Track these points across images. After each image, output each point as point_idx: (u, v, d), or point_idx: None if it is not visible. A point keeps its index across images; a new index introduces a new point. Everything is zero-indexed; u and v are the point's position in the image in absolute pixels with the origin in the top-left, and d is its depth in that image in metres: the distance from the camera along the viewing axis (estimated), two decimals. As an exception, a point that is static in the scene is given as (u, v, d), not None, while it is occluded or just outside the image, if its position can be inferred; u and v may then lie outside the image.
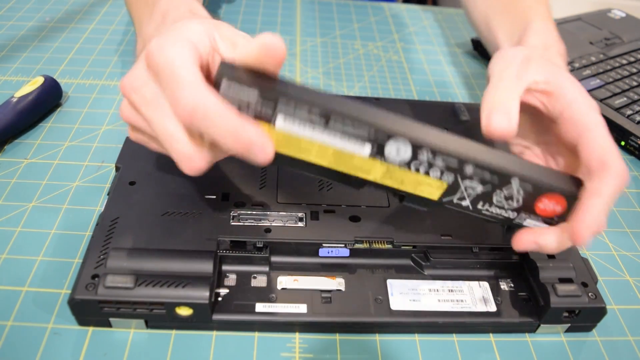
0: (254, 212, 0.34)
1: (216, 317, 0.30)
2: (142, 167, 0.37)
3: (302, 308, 0.31)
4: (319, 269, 0.33)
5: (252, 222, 0.34)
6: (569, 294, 0.31)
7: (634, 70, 0.58)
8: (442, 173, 0.27)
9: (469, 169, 0.27)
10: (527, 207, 0.28)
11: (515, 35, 0.42)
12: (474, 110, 0.48)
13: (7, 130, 0.42)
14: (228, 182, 0.36)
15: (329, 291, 0.32)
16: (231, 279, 0.32)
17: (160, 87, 0.26)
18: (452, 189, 0.27)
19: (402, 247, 0.34)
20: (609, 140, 0.28)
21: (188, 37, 0.26)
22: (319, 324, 0.31)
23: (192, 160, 0.26)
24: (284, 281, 0.32)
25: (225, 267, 0.32)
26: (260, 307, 0.31)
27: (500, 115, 0.29)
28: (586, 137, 0.29)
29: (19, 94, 0.44)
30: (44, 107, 0.46)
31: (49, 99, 0.46)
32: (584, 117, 0.29)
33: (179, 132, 0.26)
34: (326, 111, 0.25)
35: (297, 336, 0.32)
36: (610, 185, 0.27)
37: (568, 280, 0.32)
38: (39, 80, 0.45)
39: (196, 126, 0.24)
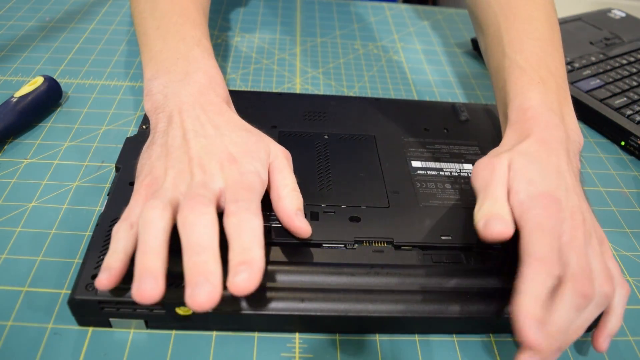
0: (254, 212, 0.34)
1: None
2: (142, 167, 0.37)
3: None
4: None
5: (252, 222, 0.34)
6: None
7: (634, 70, 0.58)
8: None
9: None
10: None
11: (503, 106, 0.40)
12: (474, 110, 0.48)
13: (7, 130, 0.42)
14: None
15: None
16: None
17: None
18: None
19: (402, 248, 0.34)
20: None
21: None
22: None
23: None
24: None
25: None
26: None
27: (498, 220, 0.30)
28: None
29: (19, 94, 0.44)
30: (44, 107, 0.46)
31: (49, 99, 0.46)
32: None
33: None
34: None
35: (297, 336, 0.32)
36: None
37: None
38: (39, 80, 0.45)
39: None
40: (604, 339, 0.30)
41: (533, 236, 0.29)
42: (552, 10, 0.44)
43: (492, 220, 0.30)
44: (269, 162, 0.33)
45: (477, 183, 0.33)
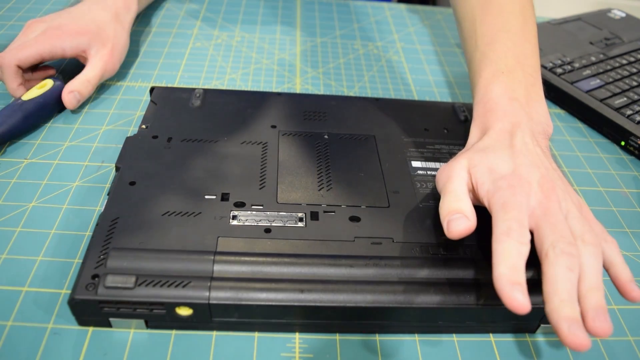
0: (254, 212, 0.34)
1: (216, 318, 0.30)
2: (142, 167, 0.37)
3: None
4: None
5: (252, 222, 0.34)
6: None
7: (634, 70, 0.58)
8: None
9: None
10: None
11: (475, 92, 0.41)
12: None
13: (12, 132, 0.42)
14: (228, 182, 0.36)
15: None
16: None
17: None
18: None
19: (402, 247, 0.34)
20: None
21: None
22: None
23: None
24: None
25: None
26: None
27: (459, 218, 0.31)
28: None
29: (27, 97, 0.43)
30: (50, 111, 0.45)
31: (56, 103, 0.46)
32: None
33: None
34: None
35: (297, 336, 0.32)
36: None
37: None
38: (48, 84, 0.45)
39: None
40: (630, 288, 0.29)
41: (498, 216, 0.30)
42: (528, 4, 0.45)
43: (453, 219, 0.31)
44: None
45: (439, 185, 0.34)
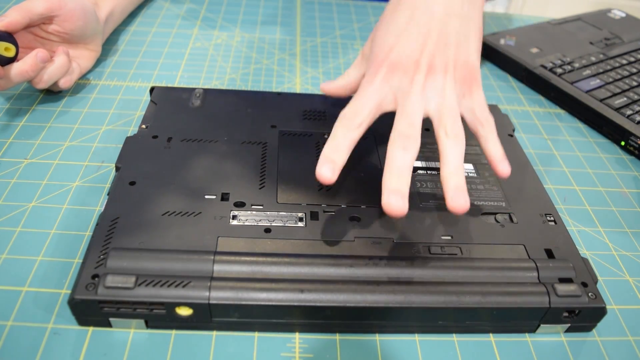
0: (254, 212, 0.34)
1: (216, 318, 0.30)
2: (142, 167, 0.37)
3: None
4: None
5: (252, 222, 0.34)
6: (569, 294, 0.31)
7: (634, 70, 0.58)
8: None
9: None
10: None
11: None
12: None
13: None
14: (228, 182, 0.36)
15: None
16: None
17: None
18: None
19: (402, 247, 0.34)
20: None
21: None
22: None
23: None
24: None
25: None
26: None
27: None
28: None
29: None
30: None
31: None
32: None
33: None
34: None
35: (297, 336, 0.32)
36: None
37: (568, 280, 0.32)
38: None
39: None
40: (496, 164, 0.33)
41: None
42: None
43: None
44: None
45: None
